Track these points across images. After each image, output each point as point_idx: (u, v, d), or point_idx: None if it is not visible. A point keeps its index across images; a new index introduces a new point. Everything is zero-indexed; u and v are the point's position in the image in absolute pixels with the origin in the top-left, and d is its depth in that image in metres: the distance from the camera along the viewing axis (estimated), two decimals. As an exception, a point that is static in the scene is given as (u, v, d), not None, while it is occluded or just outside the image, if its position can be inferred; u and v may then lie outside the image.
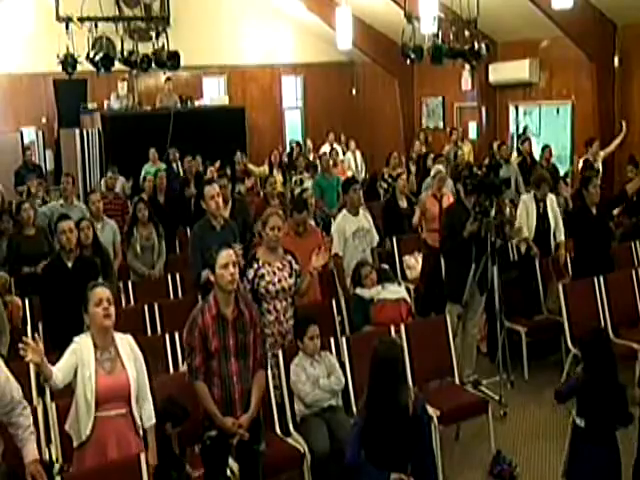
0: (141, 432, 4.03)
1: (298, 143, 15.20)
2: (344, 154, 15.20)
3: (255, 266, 5.29)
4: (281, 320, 5.26)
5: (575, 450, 4.32)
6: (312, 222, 7.66)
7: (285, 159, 13.90)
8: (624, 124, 11.20)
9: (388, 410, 3.89)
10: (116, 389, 3.90)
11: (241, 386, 4.30)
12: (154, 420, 4.11)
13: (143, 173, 11.87)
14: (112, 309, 3.96)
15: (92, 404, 3.83)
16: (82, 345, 3.93)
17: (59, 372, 3.80)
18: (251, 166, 13.02)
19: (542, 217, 7.45)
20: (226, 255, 4.30)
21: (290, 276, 5.32)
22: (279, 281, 5.26)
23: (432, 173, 8.55)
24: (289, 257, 5.41)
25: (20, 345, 3.64)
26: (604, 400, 4.15)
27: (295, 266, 5.38)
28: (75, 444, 3.92)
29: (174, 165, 12.38)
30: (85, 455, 3.89)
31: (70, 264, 5.88)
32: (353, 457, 3.97)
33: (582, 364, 4.30)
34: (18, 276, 7.08)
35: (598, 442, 4.20)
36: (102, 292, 3.97)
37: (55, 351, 5.27)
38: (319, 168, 11.51)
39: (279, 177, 12.35)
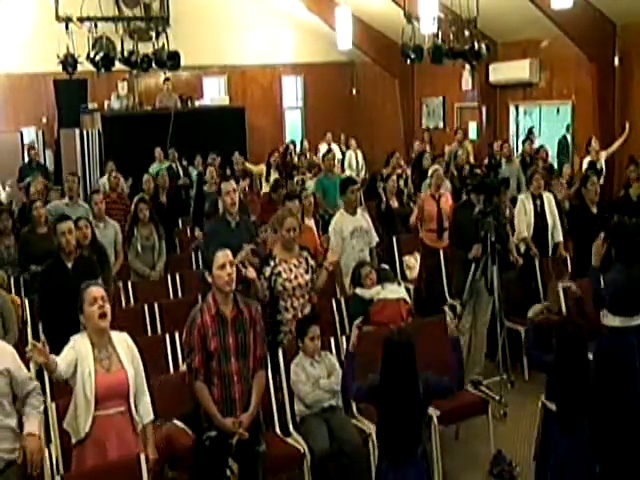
0: (139, 428, 4.04)
1: (294, 143, 15.20)
2: (343, 153, 15.19)
3: (272, 264, 5.35)
4: (299, 318, 5.29)
5: (545, 434, 4.38)
6: (312, 221, 7.67)
7: (287, 158, 13.87)
8: (627, 125, 11.19)
9: (402, 398, 3.91)
10: (115, 387, 3.91)
11: (241, 386, 4.28)
12: (152, 416, 4.12)
13: (152, 172, 11.89)
14: (107, 307, 3.96)
15: (92, 402, 3.84)
16: (80, 344, 3.94)
17: (62, 362, 3.84)
18: (249, 165, 13.02)
19: (540, 215, 7.46)
20: (223, 255, 4.28)
21: (307, 272, 5.38)
22: (295, 278, 5.32)
23: (429, 173, 8.56)
24: (305, 253, 5.47)
25: (27, 348, 3.69)
26: (574, 390, 4.22)
27: (311, 262, 5.45)
28: (73, 441, 3.93)
29: (173, 165, 12.40)
30: (85, 453, 3.90)
31: (70, 265, 5.85)
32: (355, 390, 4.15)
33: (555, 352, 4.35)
34: (26, 275, 7.11)
35: (566, 430, 4.25)
36: (96, 291, 3.97)
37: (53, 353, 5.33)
38: (322, 168, 11.50)
39: (276, 176, 12.34)
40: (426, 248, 8.08)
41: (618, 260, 5.09)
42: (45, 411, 4.38)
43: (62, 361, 3.84)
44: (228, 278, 4.22)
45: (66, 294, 5.51)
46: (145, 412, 4.08)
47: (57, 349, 5.44)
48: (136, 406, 4.03)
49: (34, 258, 7.07)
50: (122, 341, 4.06)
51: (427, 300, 7.66)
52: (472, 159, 12.88)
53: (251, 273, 5.10)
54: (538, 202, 7.48)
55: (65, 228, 5.88)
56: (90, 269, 5.91)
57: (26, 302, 6.60)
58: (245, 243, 6.06)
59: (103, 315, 3.93)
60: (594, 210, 6.98)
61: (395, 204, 9.05)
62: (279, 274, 5.31)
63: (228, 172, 12.20)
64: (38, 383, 3.97)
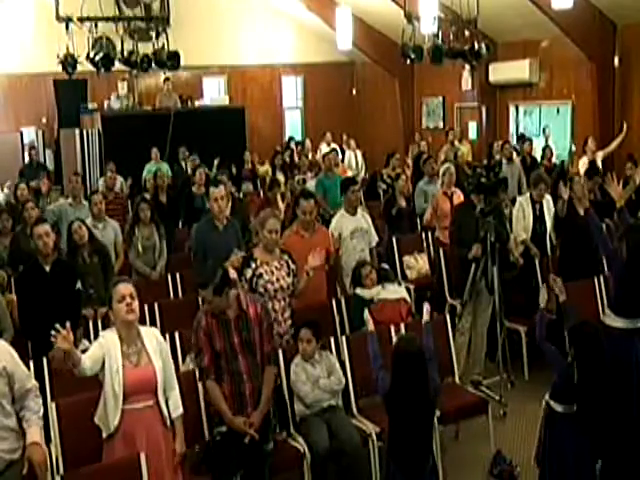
0: (168, 422, 4.08)
1: (297, 142, 15.19)
2: (343, 153, 15.20)
3: (253, 266, 5.31)
4: (279, 320, 5.27)
5: (551, 437, 4.31)
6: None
7: (287, 159, 13.89)
8: (625, 125, 11.19)
9: (414, 408, 3.90)
10: (143, 382, 3.96)
11: (251, 383, 4.39)
12: (181, 410, 4.17)
13: (145, 172, 11.88)
14: (136, 303, 4.01)
15: (120, 397, 3.89)
16: (108, 339, 3.99)
17: (87, 360, 3.86)
18: (258, 166, 13.09)
19: (538, 219, 7.42)
20: (218, 301, 4.30)
21: (288, 275, 5.36)
22: (277, 280, 5.29)
23: (441, 171, 8.60)
24: (286, 257, 5.45)
25: (52, 333, 3.70)
26: (593, 391, 4.17)
27: (292, 265, 5.42)
28: (104, 435, 3.98)
29: (183, 164, 12.40)
30: (114, 447, 3.95)
31: (48, 268, 5.79)
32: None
33: (571, 355, 4.30)
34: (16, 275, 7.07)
35: (585, 432, 4.21)
36: (125, 288, 4.02)
37: (34, 358, 5.27)
38: (322, 168, 11.51)
39: (281, 177, 12.37)
40: (442, 246, 8.06)
41: (630, 261, 5.06)
42: (45, 411, 4.38)
43: (88, 359, 3.87)
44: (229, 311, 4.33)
45: (44, 297, 5.54)
46: (174, 406, 4.13)
47: (36, 350, 5.44)
48: (166, 400, 4.08)
49: (25, 258, 6.95)
50: (151, 335, 4.11)
51: (440, 298, 7.69)
52: (469, 159, 12.89)
53: (232, 274, 5.09)
54: (537, 206, 7.46)
55: (41, 231, 5.80)
56: (68, 272, 5.90)
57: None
58: (233, 246, 6.12)
59: (131, 311, 3.98)
60: (581, 212, 6.79)
61: (403, 203, 9.09)
62: (260, 276, 5.27)
63: (234, 172, 12.24)
64: (37, 383, 3.96)
